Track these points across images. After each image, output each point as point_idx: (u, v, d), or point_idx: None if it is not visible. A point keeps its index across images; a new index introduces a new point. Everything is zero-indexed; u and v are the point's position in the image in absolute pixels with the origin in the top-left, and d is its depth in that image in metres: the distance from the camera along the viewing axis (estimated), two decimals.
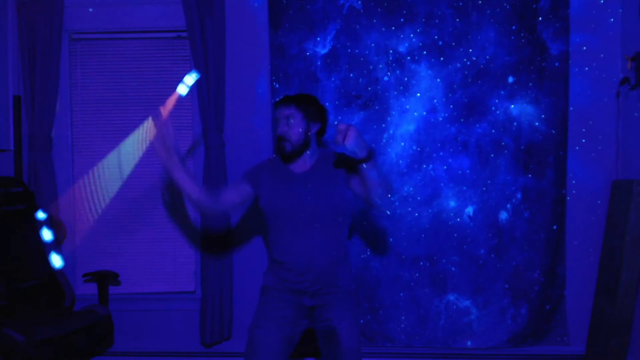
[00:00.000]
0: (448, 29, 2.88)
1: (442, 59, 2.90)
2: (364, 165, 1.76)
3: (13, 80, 3.05)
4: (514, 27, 2.86)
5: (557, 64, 2.86)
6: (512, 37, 2.86)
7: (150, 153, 3.09)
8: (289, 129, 1.95)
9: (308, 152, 1.99)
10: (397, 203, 2.93)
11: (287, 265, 1.97)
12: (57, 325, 2.46)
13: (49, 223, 2.87)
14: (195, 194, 1.94)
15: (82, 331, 2.51)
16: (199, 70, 2.89)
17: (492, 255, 2.90)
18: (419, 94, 2.92)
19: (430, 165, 2.92)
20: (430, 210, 2.92)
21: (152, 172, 3.11)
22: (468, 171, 2.91)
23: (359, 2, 2.91)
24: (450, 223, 2.92)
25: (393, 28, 2.91)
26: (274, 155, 2.18)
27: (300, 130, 1.95)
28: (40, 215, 2.85)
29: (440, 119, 2.91)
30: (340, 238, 2.00)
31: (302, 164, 2.00)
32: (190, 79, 2.14)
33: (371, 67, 2.92)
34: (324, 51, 2.93)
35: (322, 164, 2.00)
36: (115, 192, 3.12)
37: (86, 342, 2.60)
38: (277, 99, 2.17)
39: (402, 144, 2.93)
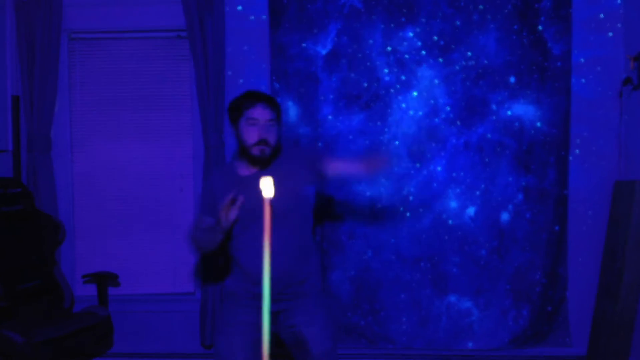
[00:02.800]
0: (449, 29, 2.87)
1: (443, 59, 2.88)
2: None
3: (12, 80, 3.04)
4: (515, 27, 2.84)
5: (559, 63, 2.84)
6: (514, 37, 2.84)
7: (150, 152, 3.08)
8: (272, 134, 1.88)
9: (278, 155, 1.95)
10: (397, 204, 2.91)
11: (244, 269, 1.90)
12: (57, 326, 2.45)
13: (48, 223, 2.86)
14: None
15: (81, 332, 2.50)
16: (199, 70, 2.88)
17: (494, 256, 2.88)
18: (419, 94, 2.91)
19: (431, 166, 2.90)
20: (431, 211, 2.91)
21: (152, 171, 3.10)
22: (469, 172, 2.89)
23: (360, 2, 2.89)
24: (451, 224, 2.90)
25: (394, 28, 2.89)
26: (225, 164, 2.17)
27: (278, 134, 1.91)
28: (39, 215, 2.85)
29: (441, 119, 2.90)
30: (301, 238, 1.93)
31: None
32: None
33: (372, 67, 2.90)
34: (324, 51, 2.92)
35: (284, 160, 1.94)
36: (115, 192, 3.11)
37: (86, 343, 2.59)
38: (251, 93, 1.97)
39: (403, 144, 2.91)
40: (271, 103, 1.91)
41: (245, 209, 1.84)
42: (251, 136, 1.87)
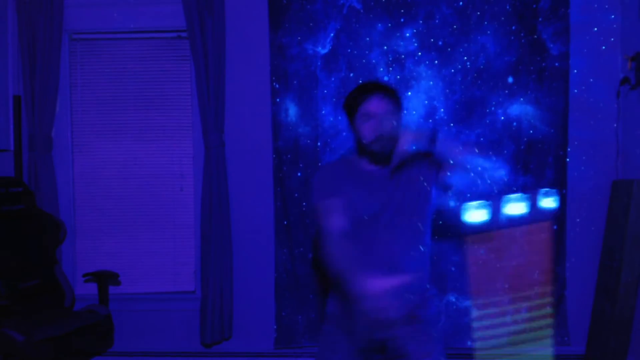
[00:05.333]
0: (448, 29, 2.88)
1: (441, 59, 2.90)
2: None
3: (13, 80, 3.06)
4: (513, 27, 2.85)
5: (557, 64, 2.86)
6: (512, 37, 2.85)
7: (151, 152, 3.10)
8: (392, 128, 1.66)
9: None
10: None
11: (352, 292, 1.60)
12: (57, 325, 2.46)
13: (49, 223, 2.87)
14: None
15: (82, 331, 2.51)
16: (199, 70, 2.90)
17: (492, 256, 2.89)
18: (418, 94, 2.92)
19: None
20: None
21: (152, 171, 3.12)
22: (468, 171, 2.90)
23: (359, 2, 2.90)
24: (450, 223, 2.91)
25: (393, 28, 2.91)
26: (342, 157, 1.97)
27: (399, 124, 1.68)
28: (40, 215, 2.86)
29: (440, 119, 2.91)
30: (422, 250, 1.73)
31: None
32: None
33: (371, 67, 2.92)
34: (324, 51, 2.93)
35: (400, 161, 1.69)
36: (116, 191, 3.13)
37: (86, 342, 2.61)
38: (366, 85, 1.76)
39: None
40: (390, 93, 1.71)
41: (366, 208, 1.68)
42: (369, 133, 1.68)
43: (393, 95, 1.72)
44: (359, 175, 1.74)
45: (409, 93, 2.92)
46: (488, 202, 2.76)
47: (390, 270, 1.61)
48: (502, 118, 2.88)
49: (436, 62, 2.90)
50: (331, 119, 2.93)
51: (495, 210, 2.82)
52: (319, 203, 1.74)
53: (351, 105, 1.74)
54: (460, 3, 2.87)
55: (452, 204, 2.78)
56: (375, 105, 1.68)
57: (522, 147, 2.88)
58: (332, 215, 1.67)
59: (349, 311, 1.62)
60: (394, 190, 1.70)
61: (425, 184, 1.71)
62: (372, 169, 1.74)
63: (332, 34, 2.92)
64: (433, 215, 1.81)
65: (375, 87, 1.72)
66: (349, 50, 2.91)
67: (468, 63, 2.88)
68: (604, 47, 2.87)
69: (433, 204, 1.77)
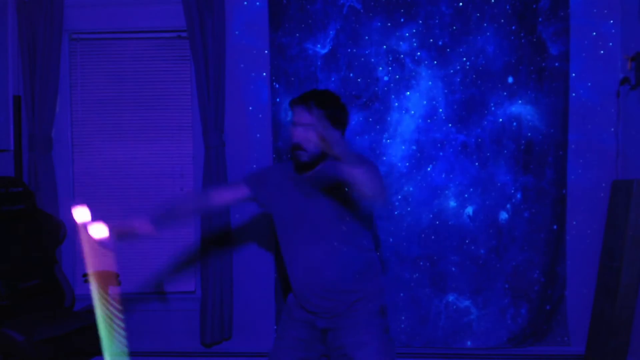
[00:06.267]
0: (448, 29, 2.88)
1: (441, 59, 2.90)
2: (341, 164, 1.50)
3: (13, 80, 3.06)
4: (513, 27, 2.85)
5: (557, 64, 2.86)
6: (512, 37, 2.85)
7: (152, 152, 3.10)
8: (308, 139, 1.73)
9: (325, 161, 1.79)
10: (397, 203, 2.93)
11: (292, 280, 1.79)
12: (57, 325, 2.46)
13: (49, 223, 2.87)
14: (187, 214, 1.89)
15: (82, 331, 2.50)
16: (199, 70, 2.90)
17: (492, 255, 2.89)
18: (418, 94, 2.92)
19: (430, 166, 2.92)
20: (430, 211, 2.92)
21: (152, 171, 3.11)
22: (468, 171, 2.90)
23: (359, 2, 2.91)
24: (450, 223, 2.92)
25: (393, 28, 2.91)
26: (287, 161, 2.07)
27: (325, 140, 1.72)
28: (40, 215, 2.86)
29: (440, 118, 2.91)
30: (350, 251, 1.75)
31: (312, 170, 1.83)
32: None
33: (371, 67, 2.92)
34: (323, 51, 2.93)
35: (330, 167, 1.78)
36: (116, 191, 3.12)
37: (86, 342, 2.60)
38: (292, 98, 1.86)
39: (402, 144, 2.93)
40: (309, 105, 1.74)
41: (285, 212, 1.78)
42: (292, 139, 1.80)
43: (320, 108, 1.71)
44: (285, 179, 1.85)
45: (408, 93, 2.92)
46: None
47: (309, 271, 1.74)
48: (502, 118, 2.88)
49: (436, 62, 2.90)
50: None
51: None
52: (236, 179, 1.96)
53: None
54: (460, 3, 2.87)
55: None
56: (298, 114, 1.78)
57: (522, 146, 2.88)
58: (226, 188, 1.93)
59: (293, 298, 1.82)
60: (310, 196, 1.77)
61: (347, 188, 1.72)
62: (295, 175, 1.86)
63: (332, 34, 2.92)
64: (367, 214, 1.84)
65: (302, 97, 1.79)
66: (349, 50, 2.92)
67: (468, 63, 2.88)
68: (603, 47, 2.87)
69: (362, 211, 1.80)
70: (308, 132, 1.73)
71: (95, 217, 3.10)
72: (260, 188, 1.90)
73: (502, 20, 2.85)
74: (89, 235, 1.62)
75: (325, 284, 1.73)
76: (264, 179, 1.92)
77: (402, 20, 2.90)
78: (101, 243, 1.63)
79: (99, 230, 1.64)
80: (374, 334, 1.73)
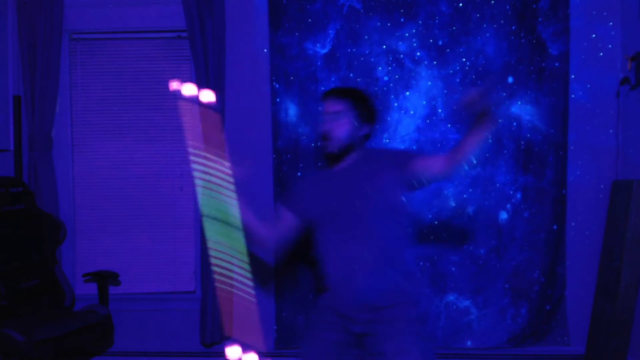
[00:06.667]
0: (448, 29, 2.88)
1: (441, 59, 2.89)
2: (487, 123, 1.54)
3: (13, 80, 3.06)
4: (513, 27, 2.85)
5: (557, 64, 2.86)
6: (512, 37, 2.85)
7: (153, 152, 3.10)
8: (335, 127, 1.71)
9: (353, 154, 1.76)
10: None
11: (327, 282, 1.71)
12: (57, 325, 2.46)
13: (49, 222, 2.87)
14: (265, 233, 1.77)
15: (82, 331, 2.51)
16: (199, 70, 2.90)
17: (492, 255, 2.89)
18: (418, 94, 2.92)
19: None
20: (430, 210, 2.92)
21: (152, 171, 3.12)
22: (467, 171, 2.90)
23: (359, 2, 2.91)
24: (450, 223, 2.91)
25: (393, 28, 2.91)
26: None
27: (349, 130, 1.71)
28: (40, 215, 2.86)
29: (440, 119, 2.91)
30: (390, 251, 1.67)
31: (343, 164, 1.78)
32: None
33: (371, 67, 2.92)
34: (323, 51, 2.93)
35: (364, 160, 1.75)
36: (116, 191, 3.13)
37: (86, 342, 2.61)
38: (326, 90, 1.88)
39: (402, 144, 2.93)
40: (343, 94, 1.76)
41: (324, 212, 1.72)
42: (320, 129, 1.78)
43: (352, 99, 1.75)
44: (320, 181, 1.82)
45: (408, 93, 2.92)
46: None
47: (346, 270, 1.66)
48: (502, 118, 2.88)
49: (435, 62, 2.90)
50: None
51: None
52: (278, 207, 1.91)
53: None
54: (460, 3, 2.87)
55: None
56: (328, 104, 1.76)
57: (522, 146, 2.88)
58: (278, 222, 1.84)
59: (331, 301, 1.72)
60: (349, 191, 1.72)
61: (389, 183, 1.71)
62: (329, 173, 1.82)
63: (331, 34, 2.92)
64: (407, 215, 1.80)
65: (337, 90, 1.83)
66: (349, 50, 2.91)
67: (468, 63, 2.88)
68: (603, 49, 2.86)
69: (402, 203, 1.75)
70: (337, 121, 1.72)
71: (95, 216, 3.10)
72: (300, 204, 1.81)
73: (502, 21, 2.85)
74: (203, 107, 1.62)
75: (366, 288, 1.64)
76: (299, 194, 1.85)
77: (402, 20, 2.90)
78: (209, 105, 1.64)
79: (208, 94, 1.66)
80: (415, 341, 1.64)
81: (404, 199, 1.73)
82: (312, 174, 1.95)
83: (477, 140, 1.59)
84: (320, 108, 1.76)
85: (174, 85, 1.66)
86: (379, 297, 1.65)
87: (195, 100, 1.67)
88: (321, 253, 1.75)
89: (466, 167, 1.66)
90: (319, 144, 1.82)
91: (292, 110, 2.95)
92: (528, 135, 2.87)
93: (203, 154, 1.63)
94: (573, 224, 2.91)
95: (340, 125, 1.71)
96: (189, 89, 1.66)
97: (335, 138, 1.71)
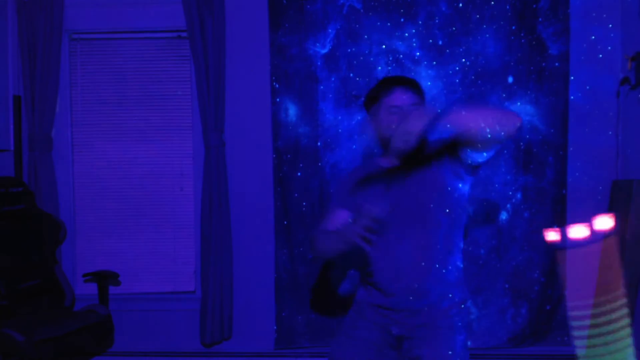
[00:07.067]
0: (448, 29, 2.88)
1: (441, 59, 2.89)
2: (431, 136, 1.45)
3: (13, 80, 3.05)
4: (513, 27, 2.85)
5: (557, 64, 2.86)
6: (512, 37, 2.85)
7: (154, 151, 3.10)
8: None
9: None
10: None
11: (372, 278, 1.65)
12: (57, 325, 2.46)
13: (49, 222, 2.87)
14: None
15: (82, 331, 2.51)
16: (199, 70, 2.90)
17: (492, 255, 2.89)
18: None
19: None
20: None
21: (152, 171, 3.12)
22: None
23: (359, 2, 2.91)
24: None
25: (393, 28, 2.91)
26: (364, 160, 2.00)
27: (426, 123, 1.54)
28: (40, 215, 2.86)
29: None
30: (442, 251, 1.61)
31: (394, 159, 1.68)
32: None
33: (371, 66, 2.92)
34: (323, 51, 2.93)
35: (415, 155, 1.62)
36: (116, 191, 3.13)
37: (86, 342, 2.61)
38: (388, 79, 1.74)
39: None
40: (412, 85, 1.66)
41: (382, 207, 1.58)
42: (391, 126, 1.60)
43: (416, 88, 1.68)
44: (378, 173, 1.71)
45: None
46: None
47: (394, 275, 1.61)
48: None
49: (435, 62, 2.90)
50: (331, 118, 2.93)
51: None
52: (328, 212, 1.82)
53: (375, 98, 1.71)
54: (460, 4, 2.87)
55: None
56: (398, 97, 1.64)
57: (522, 146, 2.88)
58: (332, 222, 1.75)
59: (368, 297, 1.67)
60: (405, 191, 1.65)
61: (443, 179, 1.61)
62: (391, 165, 1.70)
63: (331, 34, 2.92)
64: (465, 214, 1.72)
65: (398, 80, 1.70)
66: (349, 50, 2.91)
67: (468, 63, 2.88)
68: (602, 51, 2.86)
69: (459, 201, 1.66)
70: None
71: (95, 216, 3.11)
72: (351, 200, 1.74)
73: (502, 21, 2.85)
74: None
75: (413, 287, 1.58)
76: (346, 189, 1.78)
77: (402, 20, 2.90)
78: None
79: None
80: (456, 350, 1.59)
81: (463, 190, 1.64)
82: (358, 169, 1.81)
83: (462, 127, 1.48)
84: (388, 101, 1.63)
85: (550, 235, 1.44)
86: (426, 298, 1.60)
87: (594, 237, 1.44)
88: (372, 249, 1.63)
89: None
90: (384, 141, 1.68)
91: (292, 110, 2.95)
92: (528, 135, 2.87)
93: (600, 300, 1.45)
94: (573, 224, 2.90)
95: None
96: (599, 224, 1.43)
97: (415, 133, 1.51)
